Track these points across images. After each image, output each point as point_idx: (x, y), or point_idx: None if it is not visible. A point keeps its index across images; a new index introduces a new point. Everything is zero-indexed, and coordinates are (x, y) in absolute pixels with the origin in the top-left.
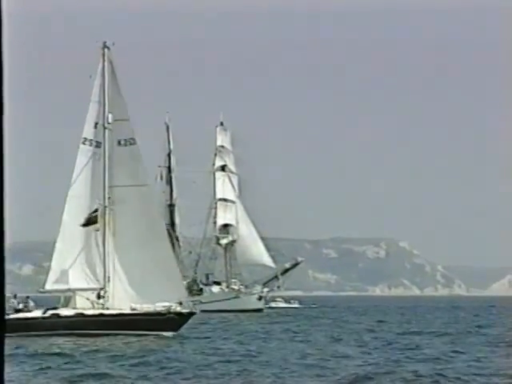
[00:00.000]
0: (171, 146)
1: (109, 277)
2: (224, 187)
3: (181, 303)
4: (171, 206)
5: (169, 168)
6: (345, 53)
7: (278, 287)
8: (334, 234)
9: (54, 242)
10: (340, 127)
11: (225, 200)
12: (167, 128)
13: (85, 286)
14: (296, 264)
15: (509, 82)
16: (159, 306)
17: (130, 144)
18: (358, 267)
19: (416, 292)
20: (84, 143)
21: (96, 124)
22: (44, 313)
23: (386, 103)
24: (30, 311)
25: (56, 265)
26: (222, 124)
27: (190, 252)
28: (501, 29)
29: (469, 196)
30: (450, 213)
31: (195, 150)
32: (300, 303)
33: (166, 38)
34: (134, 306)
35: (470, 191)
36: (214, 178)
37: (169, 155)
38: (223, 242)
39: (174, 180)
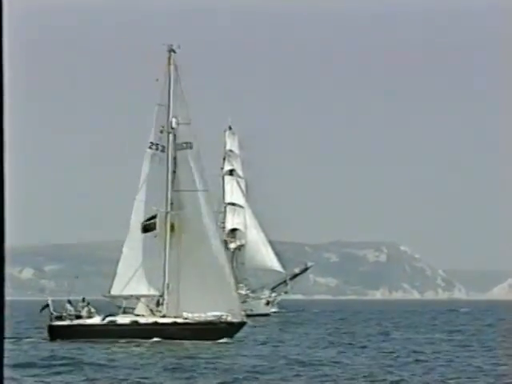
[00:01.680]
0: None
1: (168, 284)
2: (233, 191)
3: (232, 312)
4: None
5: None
6: (357, 54)
7: (286, 292)
8: (335, 237)
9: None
10: (342, 130)
11: (233, 204)
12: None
13: (145, 292)
14: (306, 269)
15: (509, 82)
16: (210, 316)
17: (190, 148)
18: (358, 271)
19: (416, 296)
20: (151, 147)
21: (163, 128)
22: (103, 319)
23: (388, 105)
24: (90, 317)
25: (121, 271)
26: (230, 128)
27: None
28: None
29: (469, 200)
30: (451, 217)
31: (203, 153)
32: (280, 307)
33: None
34: (186, 314)
35: (471, 195)
36: (223, 182)
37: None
38: (231, 246)
39: None
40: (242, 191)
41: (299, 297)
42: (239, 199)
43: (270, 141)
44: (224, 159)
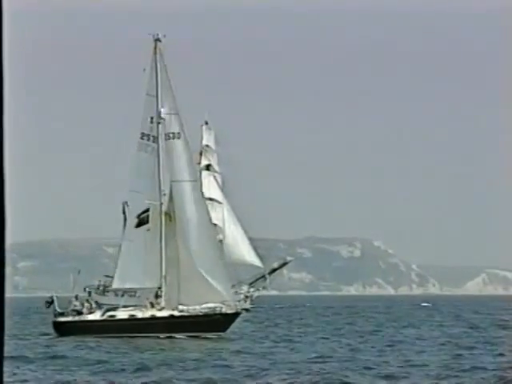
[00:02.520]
0: None
1: (165, 276)
2: (210, 187)
3: (226, 304)
4: None
5: None
6: (339, 51)
7: (264, 287)
8: (309, 233)
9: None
10: (318, 127)
11: (211, 199)
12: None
13: (143, 285)
14: (284, 264)
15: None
16: (205, 308)
17: (178, 138)
18: (332, 267)
19: (390, 291)
20: (142, 138)
21: (152, 118)
22: (103, 315)
23: (369, 103)
24: (91, 313)
25: (120, 263)
26: (206, 123)
27: None
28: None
29: (443, 195)
30: (425, 212)
31: None
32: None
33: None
34: (181, 307)
35: (444, 190)
36: (201, 177)
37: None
38: None
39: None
40: (220, 186)
41: (274, 293)
42: (217, 194)
43: (247, 137)
44: (201, 154)
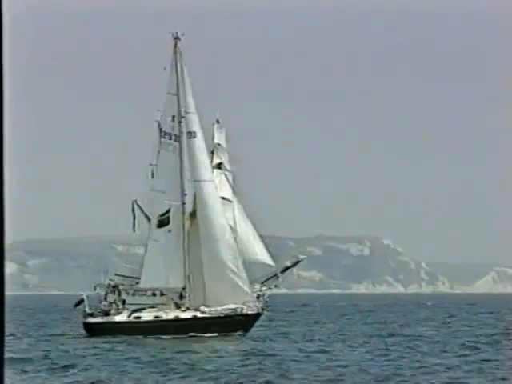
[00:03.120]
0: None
1: (189, 276)
2: (221, 185)
3: (247, 304)
4: None
5: None
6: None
7: (276, 286)
8: (318, 231)
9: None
10: (329, 127)
11: (223, 198)
12: (158, 125)
13: (168, 285)
14: (297, 262)
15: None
16: (226, 309)
17: (194, 137)
18: (341, 265)
19: (400, 289)
20: (164, 137)
21: (173, 117)
22: (129, 316)
23: (377, 103)
24: (119, 313)
25: (146, 263)
26: (218, 122)
27: None
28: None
29: (452, 194)
30: (434, 210)
31: None
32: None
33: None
34: (203, 308)
35: (454, 189)
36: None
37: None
38: None
39: None
40: (231, 185)
41: (284, 291)
42: (228, 193)
43: (259, 136)
44: (212, 153)
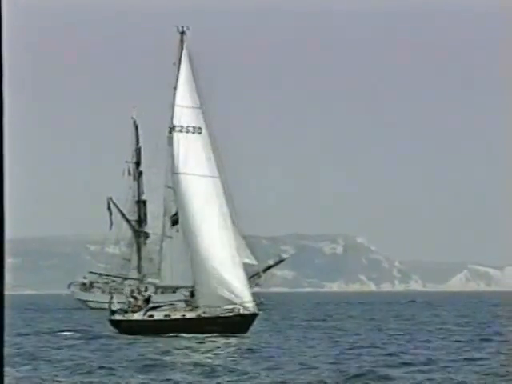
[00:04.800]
0: (140, 142)
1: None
2: None
3: (243, 305)
4: (139, 203)
5: (137, 164)
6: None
7: (257, 284)
8: (291, 230)
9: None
10: (301, 126)
11: None
12: (134, 123)
13: (181, 283)
14: (280, 261)
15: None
16: (225, 310)
17: (199, 133)
18: (315, 263)
19: (373, 288)
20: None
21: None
22: (144, 314)
23: (349, 102)
24: (134, 312)
25: (163, 263)
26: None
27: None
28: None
29: (424, 191)
30: (407, 208)
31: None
32: None
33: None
34: (204, 308)
35: (425, 187)
36: None
37: (136, 150)
38: None
39: (142, 176)
40: None
41: (256, 289)
42: None
43: (232, 134)
44: None
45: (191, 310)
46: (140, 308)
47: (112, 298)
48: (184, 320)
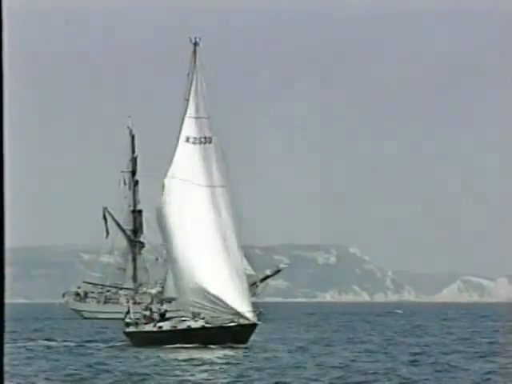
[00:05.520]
0: (135, 151)
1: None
2: None
3: (243, 316)
4: (134, 212)
5: (132, 173)
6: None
7: (254, 294)
8: (285, 240)
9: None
10: (292, 132)
11: None
12: (130, 132)
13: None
14: (278, 271)
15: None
16: (226, 320)
17: (209, 142)
18: (308, 273)
19: (366, 298)
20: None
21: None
22: (154, 325)
23: (339, 107)
24: (146, 323)
25: (170, 272)
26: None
27: (157, 258)
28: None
29: (417, 202)
30: (400, 219)
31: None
32: None
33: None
34: (206, 319)
35: (418, 197)
36: None
37: (132, 160)
38: None
39: (138, 185)
40: None
41: (252, 299)
42: None
43: (224, 141)
44: None
45: (197, 321)
46: (152, 320)
47: (129, 311)
48: (189, 330)
